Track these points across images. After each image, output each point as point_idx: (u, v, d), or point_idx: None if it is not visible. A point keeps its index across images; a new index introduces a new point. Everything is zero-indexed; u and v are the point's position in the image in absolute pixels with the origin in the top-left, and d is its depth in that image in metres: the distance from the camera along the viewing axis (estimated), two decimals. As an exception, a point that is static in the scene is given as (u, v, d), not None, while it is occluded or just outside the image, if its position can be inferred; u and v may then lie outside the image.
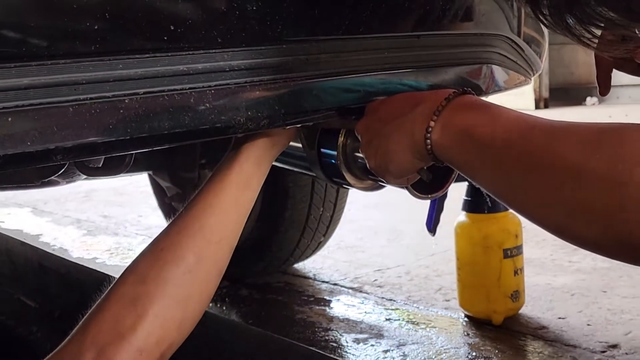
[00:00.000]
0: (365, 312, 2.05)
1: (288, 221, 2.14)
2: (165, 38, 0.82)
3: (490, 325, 1.85)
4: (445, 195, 1.20)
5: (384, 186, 1.14)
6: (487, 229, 1.83)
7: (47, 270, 2.86)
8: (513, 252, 1.83)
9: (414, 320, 1.96)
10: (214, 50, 0.86)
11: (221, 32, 0.86)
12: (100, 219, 3.46)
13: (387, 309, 2.06)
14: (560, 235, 0.79)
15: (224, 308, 2.08)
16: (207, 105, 0.86)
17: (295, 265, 2.43)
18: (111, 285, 0.95)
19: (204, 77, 0.85)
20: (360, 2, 1.01)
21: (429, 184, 1.07)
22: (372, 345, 1.81)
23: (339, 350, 1.79)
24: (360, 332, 1.89)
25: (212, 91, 0.86)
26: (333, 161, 1.11)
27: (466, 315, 1.93)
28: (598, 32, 0.75)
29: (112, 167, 1.44)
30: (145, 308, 0.92)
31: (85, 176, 1.46)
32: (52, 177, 1.38)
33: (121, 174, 1.50)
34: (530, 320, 1.89)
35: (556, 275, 2.24)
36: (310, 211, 2.15)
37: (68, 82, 0.75)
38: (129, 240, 3.00)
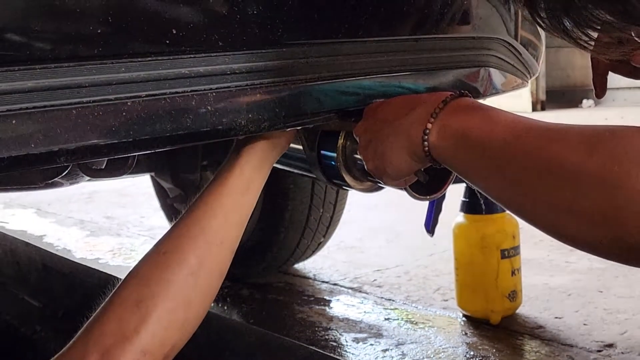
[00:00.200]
0: (365, 311, 2.05)
1: (288, 222, 2.14)
2: (167, 42, 0.82)
3: (488, 325, 1.85)
4: (443, 197, 1.20)
5: (382, 187, 1.14)
6: (485, 229, 1.83)
7: (51, 271, 2.86)
8: (510, 253, 1.83)
9: (412, 319, 1.96)
10: (215, 54, 0.86)
11: (222, 35, 0.86)
12: (103, 220, 3.46)
13: (386, 308, 2.06)
14: (556, 236, 0.79)
15: (225, 308, 2.08)
16: (209, 107, 0.86)
17: (296, 266, 2.43)
18: (115, 288, 0.95)
19: (206, 80, 0.85)
20: (359, 6, 1.01)
21: (428, 186, 1.07)
22: (372, 344, 1.81)
23: (339, 350, 1.79)
24: (360, 332, 1.89)
25: (214, 94, 0.86)
26: (333, 163, 1.11)
27: (464, 315, 1.93)
28: (595, 35, 0.75)
29: (115, 169, 1.44)
30: (149, 310, 0.92)
31: (88, 178, 1.46)
32: (56, 179, 1.38)
33: (124, 176, 1.51)
34: (528, 320, 1.89)
35: (553, 275, 2.24)
36: (311, 212, 2.15)
37: (71, 85, 0.75)
38: (132, 240, 3.00)
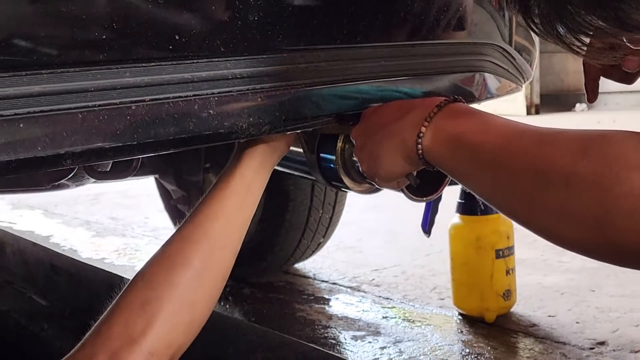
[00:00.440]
0: (363, 310, 2.05)
1: (289, 223, 2.14)
2: (170, 47, 0.82)
3: (483, 323, 1.85)
4: (439, 198, 1.20)
5: (380, 189, 1.14)
6: (480, 230, 1.83)
7: (58, 270, 2.86)
8: (505, 253, 1.83)
9: (409, 318, 1.96)
10: (217, 59, 0.86)
11: (224, 41, 0.86)
12: (108, 221, 3.46)
13: (384, 307, 2.06)
14: (548, 238, 0.79)
15: (228, 306, 2.08)
16: (211, 111, 0.86)
17: (296, 265, 2.42)
18: (121, 291, 0.95)
19: (208, 84, 0.85)
20: (358, 13, 1.01)
21: (424, 188, 1.07)
22: (370, 342, 1.81)
23: (338, 347, 1.79)
24: (358, 330, 1.89)
25: (216, 98, 0.86)
26: (332, 165, 1.11)
27: (460, 314, 1.93)
28: (587, 41, 0.75)
29: (119, 171, 1.44)
30: (155, 312, 0.92)
31: (94, 180, 1.46)
32: (62, 181, 1.38)
33: (128, 178, 1.51)
34: (522, 318, 1.88)
35: (546, 274, 2.23)
36: (310, 213, 2.15)
37: (77, 90, 0.75)
38: (136, 241, 3.00)
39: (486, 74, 1.31)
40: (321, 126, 1.06)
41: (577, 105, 7.93)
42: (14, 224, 3.45)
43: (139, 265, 2.57)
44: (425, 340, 1.80)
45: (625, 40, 0.77)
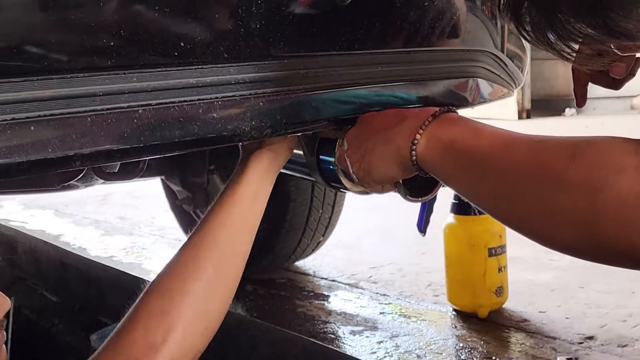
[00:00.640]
0: (361, 306, 2.05)
1: (290, 222, 2.14)
2: (176, 54, 0.82)
3: (476, 319, 1.85)
4: (434, 199, 1.20)
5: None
6: (473, 229, 1.83)
7: (68, 268, 2.86)
8: (497, 251, 1.83)
9: (405, 313, 1.96)
10: (221, 65, 0.86)
11: (227, 48, 0.86)
12: (116, 220, 3.46)
13: (381, 303, 2.06)
14: (538, 240, 0.79)
15: (231, 302, 2.08)
16: (215, 115, 0.86)
17: (297, 263, 2.42)
18: (139, 298, 0.95)
19: (212, 89, 0.85)
20: (356, 21, 1.01)
21: (420, 188, 1.07)
22: (367, 336, 1.81)
23: (337, 342, 1.79)
24: (356, 325, 1.89)
25: (219, 102, 0.86)
26: (331, 167, 1.11)
27: (454, 309, 1.93)
28: (577, 47, 0.75)
29: (127, 172, 1.44)
30: (174, 320, 0.92)
31: (102, 180, 1.46)
32: (72, 182, 1.38)
33: (136, 179, 1.50)
34: (513, 314, 1.88)
35: (537, 272, 2.23)
36: (311, 213, 2.15)
37: (86, 94, 0.75)
38: (143, 239, 2.99)
39: (479, 80, 1.31)
40: (321, 129, 1.06)
41: (567, 109, 7.93)
42: (26, 224, 3.45)
43: (145, 263, 2.58)
44: (420, 335, 1.80)
45: (613, 47, 0.77)
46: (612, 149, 0.72)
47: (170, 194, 2.33)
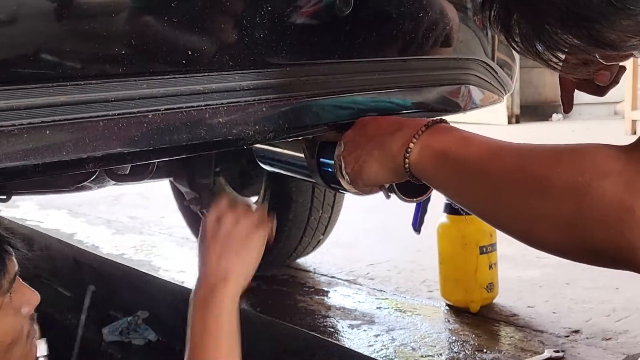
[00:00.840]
0: (359, 301, 2.04)
1: (292, 222, 2.13)
2: (184, 62, 0.82)
3: (468, 313, 1.85)
4: (428, 199, 1.20)
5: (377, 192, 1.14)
6: (465, 229, 1.83)
7: (81, 265, 2.86)
8: (488, 249, 1.83)
9: (401, 308, 1.96)
10: (226, 72, 0.86)
11: (232, 56, 0.87)
12: (127, 220, 3.46)
13: (377, 298, 2.06)
14: (526, 241, 0.79)
15: (235, 298, 2.07)
16: (220, 120, 0.86)
17: (298, 260, 2.42)
18: None
19: (218, 95, 0.85)
20: (354, 30, 1.01)
21: (415, 190, 1.07)
22: (365, 330, 1.80)
23: (336, 335, 1.79)
24: (355, 319, 1.89)
25: (225, 108, 0.86)
26: (330, 170, 1.11)
27: (447, 304, 1.93)
28: (563, 57, 0.75)
29: (137, 174, 1.44)
30: None
31: (114, 182, 1.46)
32: (85, 183, 1.38)
33: (145, 180, 1.50)
34: (503, 309, 1.88)
35: (526, 269, 2.23)
36: (311, 213, 2.15)
37: (99, 100, 0.75)
38: (153, 238, 2.99)
39: (471, 87, 1.31)
40: (320, 133, 1.06)
41: (554, 115, 7.92)
42: (42, 223, 3.44)
43: (155, 260, 2.58)
44: (415, 328, 1.80)
45: (597, 56, 0.77)
46: (595, 154, 0.72)
47: (178, 195, 2.33)
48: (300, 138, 1.12)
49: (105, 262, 2.68)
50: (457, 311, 1.88)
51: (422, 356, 1.64)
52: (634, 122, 5.49)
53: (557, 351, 1.57)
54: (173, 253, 2.68)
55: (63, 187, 1.44)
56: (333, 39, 0.99)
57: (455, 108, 1.26)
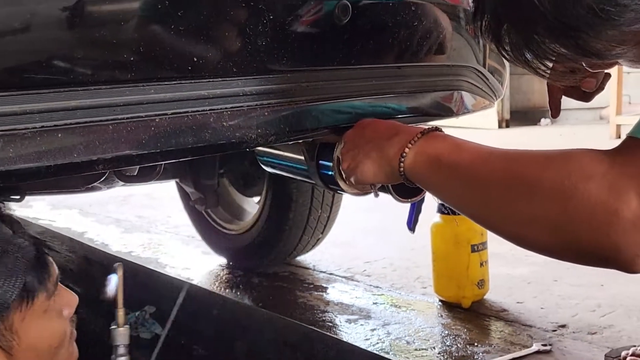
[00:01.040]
0: (356, 297, 2.04)
1: (292, 221, 2.13)
2: (190, 68, 0.82)
3: (460, 308, 1.85)
4: (422, 200, 1.20)
5: (368, 193, 1.14)
6: (458, 228, 1.83)
7: (92, 262, 2.85)
8: (479, 247, 1.83)
9: (396, 304, 1.96)
10: (230, 78, 0.86)
11: (236, 63, 0.87)
12: (135, 219, 3.45)
13: (374, 294, 2.06)
14: (515, 242, 0.80)
15: (238, 293, 2.07)
16: (224, 124, 0.86)
17: (298, 258, 2.42)
18: None
19: (222, 100, 0.86)
20: (352, 39, 1.01)
21: (409, 191, 1.07)
22: (362, 324, 1.80)
23: (334, 329, 1.79)
24: (352, 314, 1.88)
25: (229, 112, 0.86)
26: (329, 172, 1.11)
27: (440, 300, 1.92)
28: (551, 65, 0.75)
29: (145, 175, 1.44)
30: None
31: (122, 183, 1.46)
32: (95, 184, 1.38)
33: (153, 181, 1.50)
34: (494, 304, 1.88)
35: (515, 266, 2.23)
36: (311, 213, 2.15)
37: (109, 104, 0.75)
38: (159, 237, 2.99)
39: (463, 92, 1.31)
40: (320, 136, 1.06)
41: (542, 120, 7.92)
42: (54, 222, 3.44)
43: (161, 258, 2.58)
44: (410, 323, 1.79)
45: (584, 64, 0.77)
46: (581, 158, 0.72)
47: (184, 195, 2.33)
48: (300, 141, 1.12)
49: (114, 260, 2.67)
50: (450, 306, 1.88)
51: (416, 349, 1.64)
52: (618, 126, 5.48)
53: (544, 345, 1.57)
54: (179, 251, 2.67)
55: (74, 188, 1.44)
56: (332, 46, 0.99)
57: (449, 113, 1.26)
